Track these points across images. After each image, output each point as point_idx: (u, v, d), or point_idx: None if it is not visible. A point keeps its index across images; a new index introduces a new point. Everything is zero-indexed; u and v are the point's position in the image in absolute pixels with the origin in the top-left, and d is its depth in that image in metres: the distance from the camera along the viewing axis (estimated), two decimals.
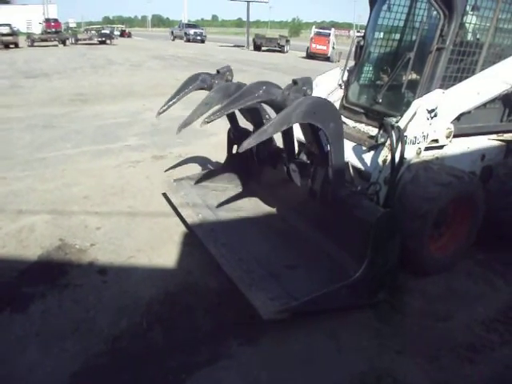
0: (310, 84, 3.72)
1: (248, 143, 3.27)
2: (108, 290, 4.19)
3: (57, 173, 7.02)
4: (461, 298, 4.44)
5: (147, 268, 4.57)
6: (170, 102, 4.75)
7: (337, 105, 5.85)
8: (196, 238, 4.67)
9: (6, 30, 33.43)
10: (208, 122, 3.62)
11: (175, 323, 3.81)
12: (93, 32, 44.24)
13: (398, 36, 5.77)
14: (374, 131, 5.00)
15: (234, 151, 5.83)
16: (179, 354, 3.49)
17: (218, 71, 4.82)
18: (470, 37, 5.04)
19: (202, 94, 4.44)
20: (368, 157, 4.77)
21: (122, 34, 60.48)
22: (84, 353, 3.43)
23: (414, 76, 5.03)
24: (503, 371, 3.56)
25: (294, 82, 3.67)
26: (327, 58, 34.63)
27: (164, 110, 4.80)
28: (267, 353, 3.54)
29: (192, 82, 4.80)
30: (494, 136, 5.34)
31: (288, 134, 4.38)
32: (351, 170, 4.95)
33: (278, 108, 3.64)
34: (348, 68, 5.92)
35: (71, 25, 57.38)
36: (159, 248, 4.93)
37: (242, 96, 3.73)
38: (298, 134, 4.53)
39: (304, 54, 37.38)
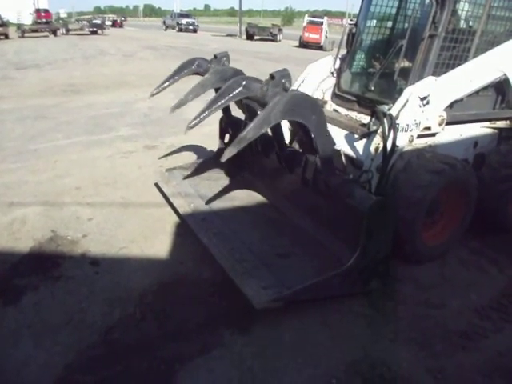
0: (288, 76, 3.64)
1: (229, 151, 3.18)
2: (100, 281, 4.17)
3: (49, 164, 6.98)
4: (454, 285, 4.45)
5: (140, 259, 4.55)
6: (164, 85, 4.65)
7: (329, 92, 5.83)
8: (188, 228, 4.65)
9: None
10: (191, 128, 3.58)
11: (168, 313, 3.80)
12: (84, 22, 43.89)
13: (390, 23, 5.73)
14: (366, 119, 4.98)
15: (227, 140, 5.79)
16: (172, 344, 3.48)
17: (215, 56, 4.74)
18: (462, 24, 5.03)
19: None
20: (360, 145, 4.75)
21: (114, 23, 60.04)
22: (77, 344, 3.42)
23: (407, 63, 5.00)
24: (496, 358, 3.58)
25: (272, 76, 3.60)
26: (320, 47, 34.53)
27: (157, 92, 4.69)
28: (260, 342, 3.54)
29: (188, 66, 4.74)
30: (487, 123, 5.34)
31: (275, 127, 4.37)
32: (343, 158, 4.93)
33: (259, 104, 3.63)
34: (340, 56, 5.88)
35: (62, 15, 57.10)
36: (152, 238, 4.91)
37: (222, 95, 3.67)
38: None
39: (297, 43, 37.24)
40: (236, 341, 3.54)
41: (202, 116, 3.60)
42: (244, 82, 3.69)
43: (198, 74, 4.71)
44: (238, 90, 3.67)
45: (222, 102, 3.66)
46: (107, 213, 5.44)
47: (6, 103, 11.21)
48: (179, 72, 4.69)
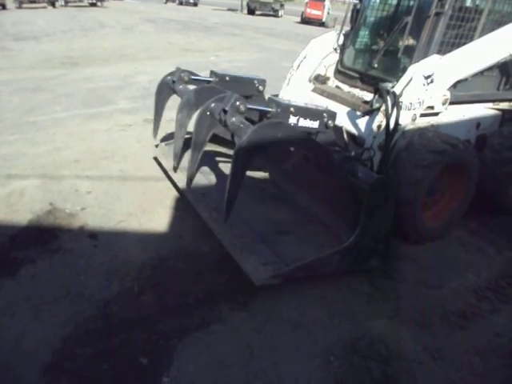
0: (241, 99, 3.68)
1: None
2: (99, 255, 4.16)
3: (47, 137, 6.90)
4: (452, 265, 4.46)
5: (138, 232, 4.54)
6: (158, 122, 5.19)
7: (332, 69, 5.77)
8: (188, 202, 4.63)
9: None
10: (192, 181, 4.23)
11: (166, 288, 3.80)
12: None
13: (395, 0, 5.64)
14: (369, 96, 4.94)
15: None
16: (170, 318, 3.49)
17: (173, 81, 4.88)
18: (469, 2, 4.95)
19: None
20: (362, 122, 4.72)
21: None
22: (75, 317, 3.42)
23: (411, 41, 4.94)
24: (493, 338, 3.61)
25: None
26: (322, 24, 34.10)
27: (157, 131, 5.30)
28: (258, 318, 3.55)
29: (162, 94, 5.04)
30: (490, 104, 5.30)
31: None
32: (345, 135, 4.89)
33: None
34: (344, 32, 5.80)
35: None
36: (150, 212, 4.90)
37: (197, 144, 4.04)
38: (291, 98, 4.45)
39: (299, 19, 36.81)
40: (235, 316, 3.55)
41: (192, 167, 4.19)
42: (208, 119, 3.94)
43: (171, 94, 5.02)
44: (205, 136, 4.00)
45: (201, 148, 4.05)
46: (106, 186, 5.41)
47: (3, 74, 11.06)
48: (159, 103, 5.09)
